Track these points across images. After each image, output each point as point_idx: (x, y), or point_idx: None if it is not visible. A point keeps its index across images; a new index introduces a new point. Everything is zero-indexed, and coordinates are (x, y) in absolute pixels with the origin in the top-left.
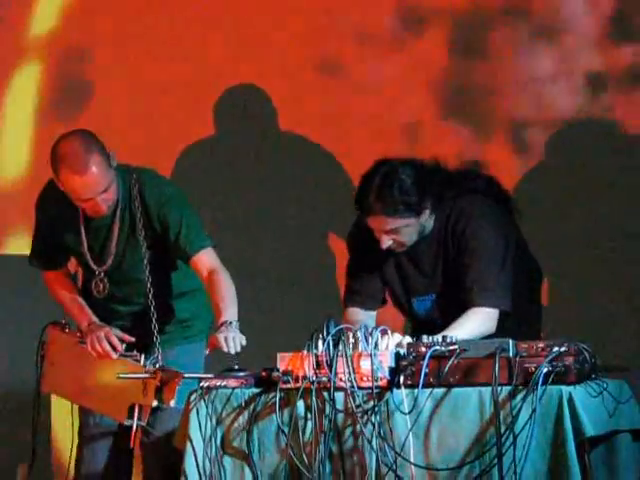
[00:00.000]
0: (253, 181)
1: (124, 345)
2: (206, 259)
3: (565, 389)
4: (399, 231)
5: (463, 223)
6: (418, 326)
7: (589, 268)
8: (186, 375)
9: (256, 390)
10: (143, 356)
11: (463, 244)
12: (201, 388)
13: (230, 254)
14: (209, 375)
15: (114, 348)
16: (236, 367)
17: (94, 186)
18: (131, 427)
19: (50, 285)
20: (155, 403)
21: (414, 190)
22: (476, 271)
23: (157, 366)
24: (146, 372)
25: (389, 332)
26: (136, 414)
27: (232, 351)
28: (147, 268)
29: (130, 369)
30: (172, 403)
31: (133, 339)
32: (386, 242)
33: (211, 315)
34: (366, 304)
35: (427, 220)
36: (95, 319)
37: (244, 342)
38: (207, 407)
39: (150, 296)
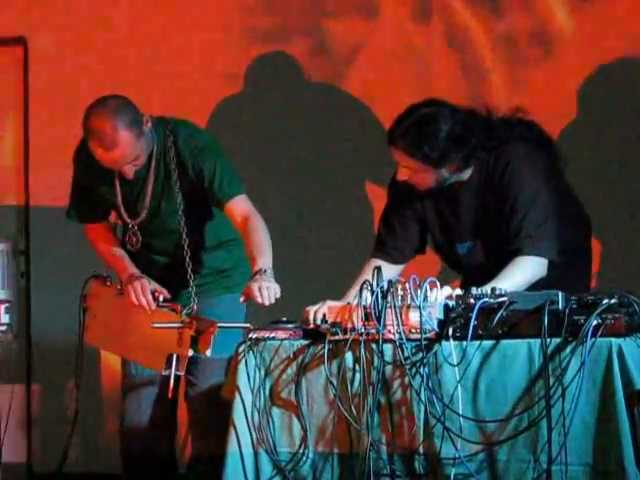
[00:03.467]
0: (287, 133)
1: (162, 297)
2: (240, 206)
3: (614, 341)
4: (415, 172)
5: (501, 170)
6: (463, 273)
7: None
8: (220, 324)
9: (305, 342)
10: (180, 306)
11: (505, 191)
12: (250, 339)
13: (266, 207)
14: (246, 325)
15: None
16: (284, 319)
17: (121, 160)
18: (169, 377)
19: (91, 238)
20: (191, 352)
21: (442, 145)
22: (521, 218)
23: (192, 316)
24: (181, 322)
25: (438, 284)
26: (174, 364)
27: (266, 302)
28: (182, 218)
29: (166, 319)
30: (208, 352)
31: (167, 295)
32: (401, 174)
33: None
34: (392, 257)
35: (455, 173)
36: (135, 270)
37: (279, 293)
38: (256, 358)
39: (185, 246)
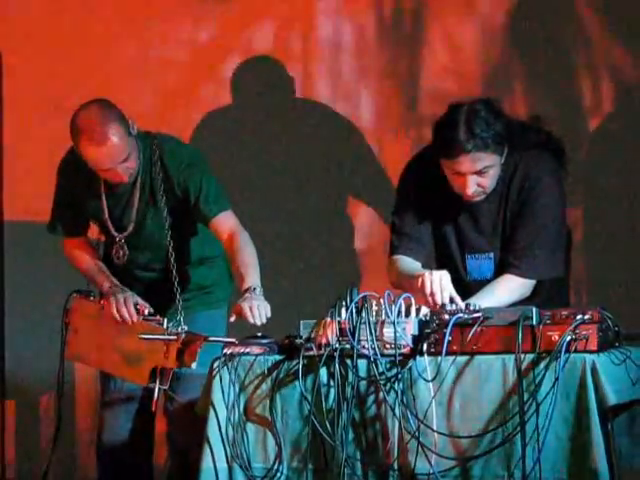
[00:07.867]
0: (273, 147)
1: (147, 310)
2: (226, 222)
3: (588, 357)
4: (486, 172)
5: (531, 181)
6: (460, 288)
7: (615, 235)
8: (210, 338)
9: (279, 357)
10: (165, 320)
11: (528, 202)
12: (224, 355)
13: (250, 220)
14: (232, 339)
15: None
16: (259, 334)
17: (114, 156)
18: (153, 390)
19: (70, 252)
20: (177, 366)
21: (498, 123)
22: (533, 236)
23: (179, 329)
24: (169, 334)
25: (413, 300)
26: (158, 377)
27: (258, 322)
28: (168, 233)
29: (152, 332)
30: (193, 365)
31: (147, 310)
32: (472, 186)
33: (232, 283)
34: (419, 253)
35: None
36: (115, 281)
37: (269, 313)
38: (230, 374)
39: (172, 260)
